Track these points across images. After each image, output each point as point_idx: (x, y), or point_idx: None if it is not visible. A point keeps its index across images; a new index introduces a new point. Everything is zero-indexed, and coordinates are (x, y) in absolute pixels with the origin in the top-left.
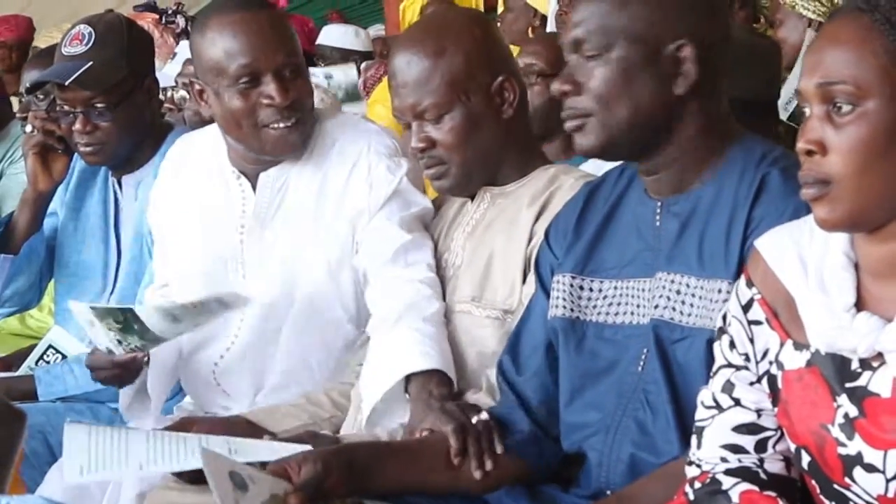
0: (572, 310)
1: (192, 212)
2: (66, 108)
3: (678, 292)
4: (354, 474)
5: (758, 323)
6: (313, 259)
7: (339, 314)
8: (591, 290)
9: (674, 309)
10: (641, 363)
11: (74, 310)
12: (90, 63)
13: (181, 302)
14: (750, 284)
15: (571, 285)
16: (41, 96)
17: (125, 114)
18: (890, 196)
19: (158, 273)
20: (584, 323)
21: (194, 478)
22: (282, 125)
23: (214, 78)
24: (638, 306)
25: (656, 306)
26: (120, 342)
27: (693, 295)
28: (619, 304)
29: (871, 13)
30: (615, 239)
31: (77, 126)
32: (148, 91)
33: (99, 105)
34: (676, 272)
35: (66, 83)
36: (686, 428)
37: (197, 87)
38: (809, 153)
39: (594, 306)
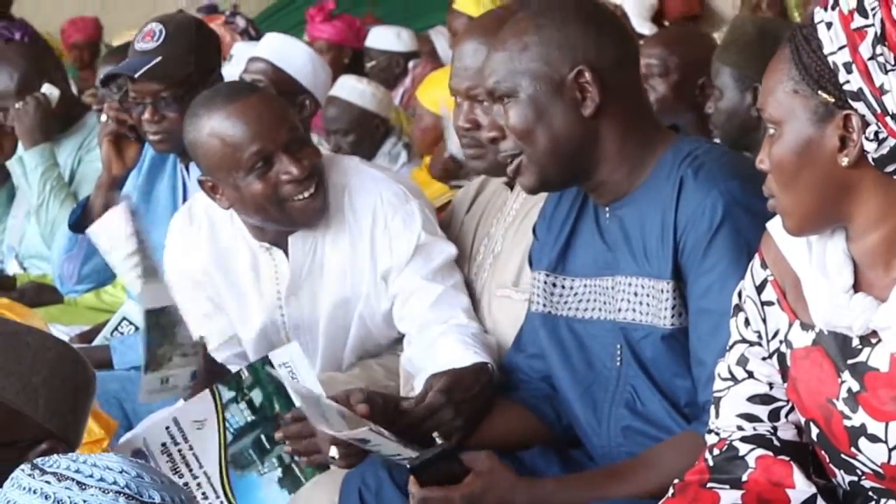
0: (545, 305)
1: (217, 277)
2: (137, 99)
3: (636, 294)
4: (388, 416)
5: (770, 304)
6: (354, 313)
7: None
8: (562, 287)
9: (634, 310)
10: (619, 359)
11: None
12: (160, 58)
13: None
14: (764, 266)
15: (545, 282)
16: (115, 89)
17: (189, 105)
18: (822, 206)
19: (199, 328)
20: (557, 317)
21: None
22: (305, 195)
23: (227, 173)
24: (605, 303)
25: (619, 309)
26: None
27: (648, 295)
28: (587, 300)
29: (790, 44)
30: (581, 240)
31: (146, 116)
32: (213, 85)
33: (166, 97)
34: (632, 275)
35: (136, 76)
36: (676, 407)
37: (209, 183)
38: (764, 170)
39: (565, 302)
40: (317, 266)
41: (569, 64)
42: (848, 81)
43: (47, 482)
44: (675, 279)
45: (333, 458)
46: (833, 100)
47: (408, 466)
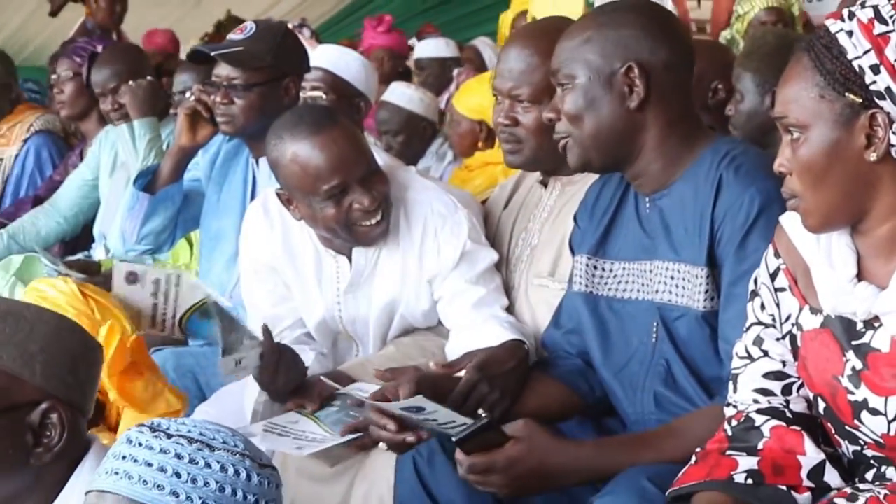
0: (586, 285)
1: (286, 268)
2: (214, 81)
3: (672, 277)
4: (438, 398)
5: (782, 290)
6: (405, 312)
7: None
8: (603, 269)
9: (670, 292)
10: (654, 336)
11: None
12: (241, 48)
13: None
14: (777, 255)
15: (587, 265)
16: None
17: (258, 97)
18: (848, 202)
19: (270, 310)
20: (598, 297)
21: None
22: (372, 222)
23: (304, 195)
24: (643, 285)
25: (657, 290)
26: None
27: (683, 279)
28: (626, 282)
29: (808, 52)
30: (622, 228)
31: (218, 98)
32: (285, 88)
33: (238, 84)
34: (669, 260)
35: (212, 54)
36: (702, 382)
37: (285, 196)
38: (782, 173)
39: (606, 283)
40: (373, 270)
41: (621, 59)
42: (875, 82)
43: (178, 444)
44: (710, 266)
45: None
46: (860, 100)
47: (453, 440)
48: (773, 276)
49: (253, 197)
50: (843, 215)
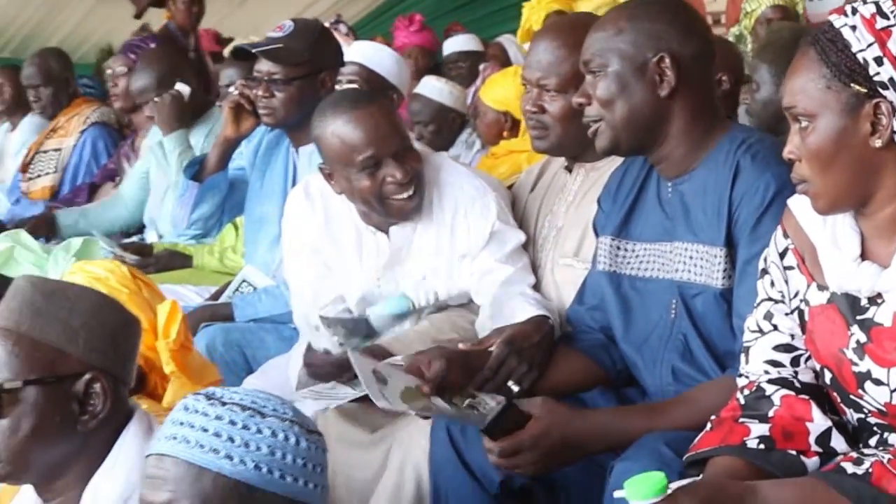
0: (610, 265)
1: (328, 246)
2: (256, 76)
3: (691, 257)
4: (469, 372)
5: (790, 268)
6: (436, 287)
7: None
8: (626, 249)
9: (689, 271)
10: (673, 312)
11: (298, 318)
12: (281, 45)
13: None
14: (785, 235)
15: (611, 245)
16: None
17: (296, 90)
18: (854, 186)
19: (313, 287)
20: (621, 276)
21: None
22: (404, 195)
23: (343, 166)
24: (663, 264)
25: (677, 269)
26: (341, 344)
27: (702, 259)
28: (647, 261)
29: (814, 46)
30: (643, 210)
31: (260, 91)
32: (322, 82)
33: (278, 78)
34: (688, 241)
35: (253, 51)
36: (716, 355)
37: (326, 171)
38: (791, 160)
39: (628, 262)
40: (409, 247)
41: (653, 50)
42: (878, 73)
43: (232, 411)
44: (728, 246)
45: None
46: (865, 90)
47: (480, 430)
48: (782, 256)
49: (293, 183)
50: (850, 198)
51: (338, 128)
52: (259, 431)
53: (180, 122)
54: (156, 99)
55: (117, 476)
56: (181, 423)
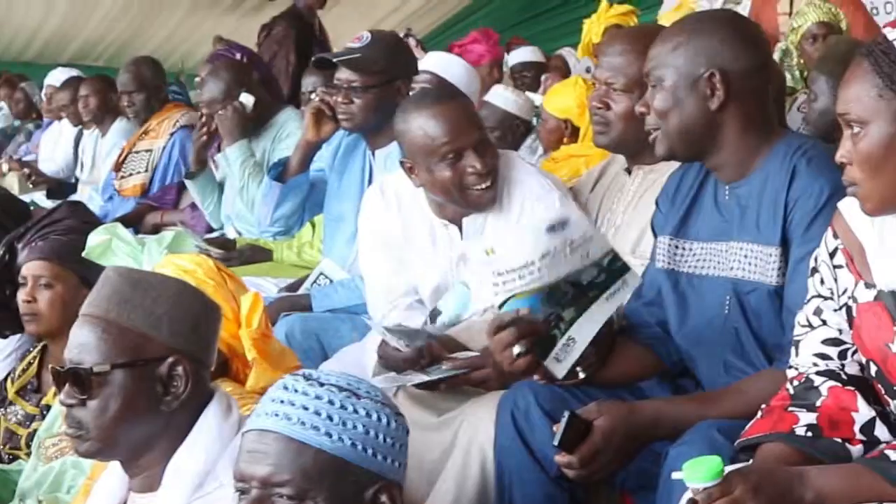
0: (668, 263)
1: (403, 242)
2: (336, 84)
3: (745, 256)
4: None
5: (840, 267)
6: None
7: None
8: (683, 248)
9: (744, 269)
10: (727, 308)
11: (373, 310)
12: (359, 55)
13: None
14: (835, 236)
15: (669, 245)
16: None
17: (373, 97)
18: None
19: (387, 280)
20: (679, 273)
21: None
22: (483, 186)
23: (425, 157)
24: (718, 262)
25: (732, 267)
26: (407, 345)
27: (756, 258)
28: (704, 260)
29: (868, 57)
30: (700, 212)
31: (339, 98)
32: (397, 89)
33: (357, 86)
34: (744, 241)
35: (334, 60)
36: (765, 349)
37: (408, 164)
38: (843, 164)
39: (686, 261)
40: (480, 239)
41: (705, 66)
42: None
43: (330, 391)
44: (782, 246)
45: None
46: None
47: (554, 444)
48: (831, 255)
49: (369, 184)
50: None
51: (423, 121)
52: (355, 411)
53: (242, 132)
54: (220, 112)
55: (198, 453)
56: (282, 402)
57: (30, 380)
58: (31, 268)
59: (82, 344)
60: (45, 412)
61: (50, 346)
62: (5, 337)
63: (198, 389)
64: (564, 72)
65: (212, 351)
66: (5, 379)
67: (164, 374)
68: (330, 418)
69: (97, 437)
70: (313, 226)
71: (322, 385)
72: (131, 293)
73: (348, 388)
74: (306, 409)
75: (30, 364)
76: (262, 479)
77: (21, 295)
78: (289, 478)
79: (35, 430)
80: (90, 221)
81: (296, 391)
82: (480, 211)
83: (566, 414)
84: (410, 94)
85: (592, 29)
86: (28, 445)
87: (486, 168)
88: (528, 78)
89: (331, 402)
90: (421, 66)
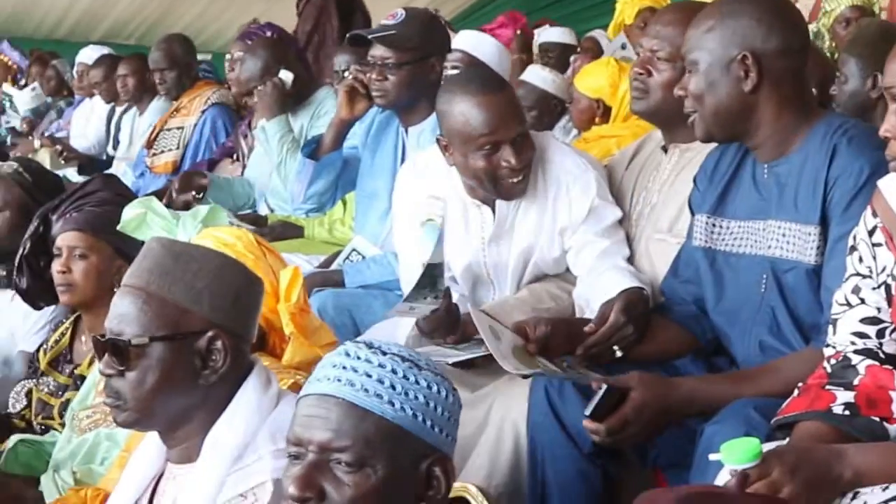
0: (705, 241)
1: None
2: (369, 61)
3: (783, 235)
4: (571, 339)
5: (879, 245)
6: (538, 259)
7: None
8: (721, 227)
9: (782, 248)
10: (763, 286)
11: (406, 285)
12: (394, 32)
13: None
14: (874, 215)
15: (706, 223)
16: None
17: (407, 74)
18: None
19: (416, 255)
20: (716, 251)
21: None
22: (515, 180)
23: (462, 143)
24: (756, 241)
25: (769, 246)
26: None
27: (794, 236)
28: (741, 238)
29: None
30: (738, 190)
31: (374, 75)
32: (431, 66)
33: (391, 63)
34: (782, 220)
35: (369, 37)
36: (802, 328)
37: (444, 142)
38: (887, 138)
39: (723, 239)
40: (513, 221)
41: (737, 48)
42: None
43: (394, 360)
44: (822, 225)
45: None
46: None
47: (587, 414)
48: (870, 233)
49: (402, 161)
50: None
51: (466, 108)
52: (417, 382)
53: (281, 108)
54: (259, 87)
55: (237, 425)
56: (344, 368)
57: (62, 351)
58: (65, 238)
59: (122, 314)
60: (77, 382)
61: (84, 316)
62: (39, 308)
63: (237, 363)
64: (596, 53)
65: (252, 325)
66: (38, 350)
67: (202, 348)
68: (393, 387)
69: (135, 408)
70: (344, 203)
71: (385, 354)
72: (173, 265)
73: (410, 359)
74: (370, 376)
75: (62, 335)
76: (322, 444)
77: (56, 265)
78: (349, 443)
79: (68, 400)
80: (123, 194)
81: (358, 358)
82: (510, 199)
83: (603, 387)
84: (446, 72)
85: (626, 10)
86: (61, 415)
87: (520, 164)
88: (552, 58)
89: (394, 372)
90: (453, 44)
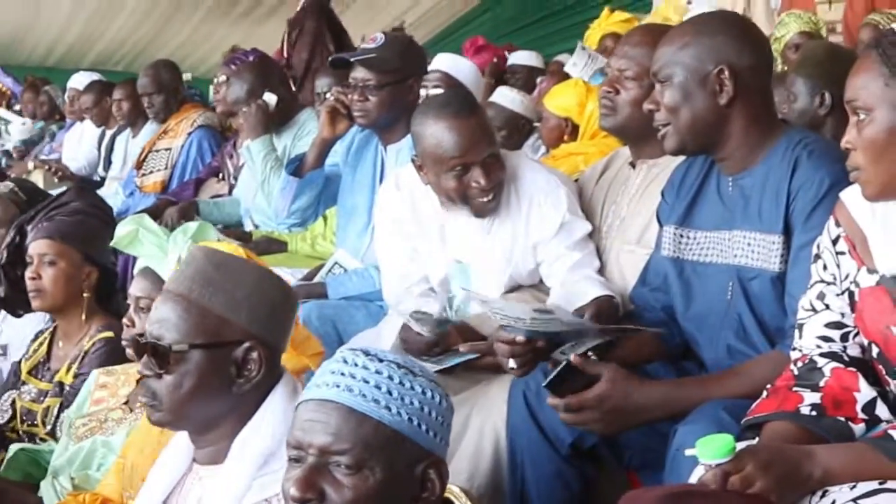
0: (673, 251)
1: (415, 232)
2: (350, 83)
3: (749, 244)
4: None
5: (842, 253)
6: (513, 272)
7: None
8: (688, 237)
9: (747, 256)
10: (730, 293)
11: (388, 296)
12: (374, 55)
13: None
14: (837, 224)
15: (675, 234)
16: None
17: (387, 95)
18: None
19: (403, 268)
20: (684, 261)
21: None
22: (485, 199)
23: (434, 164)
24: (721, 250)
25: (735, 255)
26: (430, 331)
27: (759, 246)
28: (708, 248)
29: (875, 49)
30: (705, 202)
31: (355, 96)
32: (410, 87)
33: (371, 84)
34: (747, 230)
35: (351, 59)
36: (767, 333)
37: (418, 163)
38: (847, 149)
39: (690, 249)
40: (487, 235)
41: (714, 62)
42: None
43: (390, 367)
44: (785, 234)
45: (512, 368)
46: None
47: (543, 385)
48: (834, 242)
49: (381, 178)
50: None
51: (437, 131)
52: (412, 388)
53: (265, 128)
54: (244, 109)
55: (264, 432)
56: (342, 374)
57: (41, 358)
58: (36, 246)
59: (163, 319)
60: (59, 388)
61: (58, 321)
62: (19, 316)
63: (269, 374)
64: (561, 76)
65: (286, 337)
66: (20, 360)
67: (238, 358)
68: (389, 392)
69: (169, 410)
70: (325, 219)
71: (381, 361)
72: (214, 274)
73: (405, 366)
74: (367, 382)
75: (41, 344)
76: (321, 447)
77: (27, 272)
78: (349, 447)
79: (49, 406)
80: (96, 204)
81: (356, 365)
82: (482, 217)
83: (565, 362)
84: (424, 93)
85: (592, 36)
86: (44, 422)
87: (490, 184)
88: (518, 79)
89: (390, 378)
90: (433, 65)
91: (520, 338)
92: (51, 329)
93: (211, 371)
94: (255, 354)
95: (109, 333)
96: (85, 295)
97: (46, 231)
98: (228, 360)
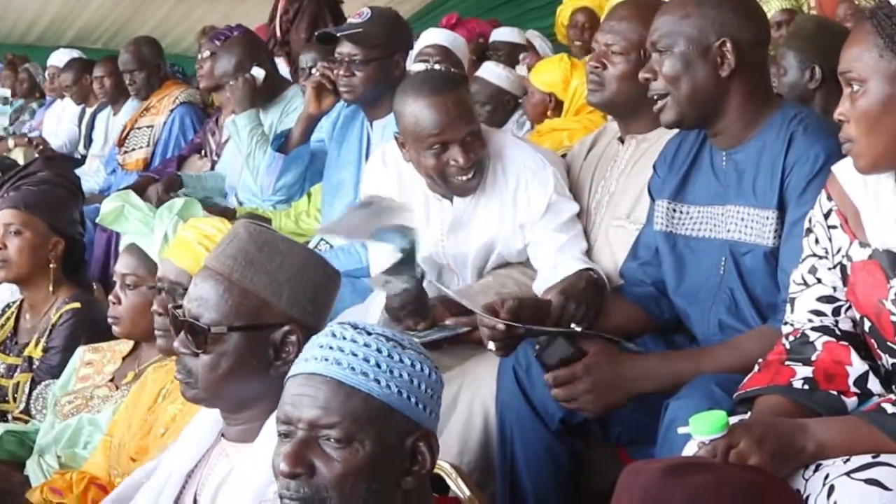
0: (666, 225)
1: None
2: (336, 58)
3: (742, 219)
4: (538, 314)
5: (834, 227)
6: (501, 250)
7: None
8: (681, 212)
9: (740, 231)
10: (722, 268)
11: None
12: (360, 30)
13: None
14: (829, 198)
15: (667, 208)
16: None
17: (374, 70)
18: (894, 148)
19: None
20: (676, 235)
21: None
22: (464, 178)
23: (414, 142)
24: (715, 225)
25: (728, 230)
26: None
27: (753, 220)
28: (701, 222)
29: (871, 20)
30: (698, 177)
31: (341, 72)
32: (396, 62)
33: (358, 59)
34: (741, 205)
35: (337, 34)
36: (759, 308)
37: (400, 140)
38: (841, 121)
39: (683, 224)
40: (472, 215)
41: (716, 34)
42: None
43: (378, 340)
44: (779, 209)
45: (492, 350)
46: None
47: (534, 356)
48: (826, 216)
49: (367, 153)
50: (890, 159)
51: (416, 109)
52: (401, 361)
53: (252, 102)
54: (230, 83)
55: None
56: (331, 348)
57: (9, 333)
58: (1, 216)
59: (202, 298)
60: (28, 363)
61: (24, 292)
62: None
63: None
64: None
65: (325, 320)
66: None
67: (277, 341)
68: (378, 365)
69: (204, 389)
70: (309, 196)
71: (370, 334)
72: (257, 255)
73: (394, 339)
74: (355, 355)
75: (7, 319)
76: (310, 422)
77: None
78: (338, 420)
79: (19, 382)
80: (63, 174)
81: (344, 338)
82: (462, 196)
83: (579, 329)
84: (425, 67)
85: (563, 12)
86: (14, 398)
87: (468, 163)
88: (500, 56)
89: (379, 351)
90: (428, 40)
91: (500, 326)
92: (17, 303)
93: (248, 353)
94: (293, 338)
95: (76, 304)
96: (52, 265)
97: (12, 201)
98: (267, 342)
